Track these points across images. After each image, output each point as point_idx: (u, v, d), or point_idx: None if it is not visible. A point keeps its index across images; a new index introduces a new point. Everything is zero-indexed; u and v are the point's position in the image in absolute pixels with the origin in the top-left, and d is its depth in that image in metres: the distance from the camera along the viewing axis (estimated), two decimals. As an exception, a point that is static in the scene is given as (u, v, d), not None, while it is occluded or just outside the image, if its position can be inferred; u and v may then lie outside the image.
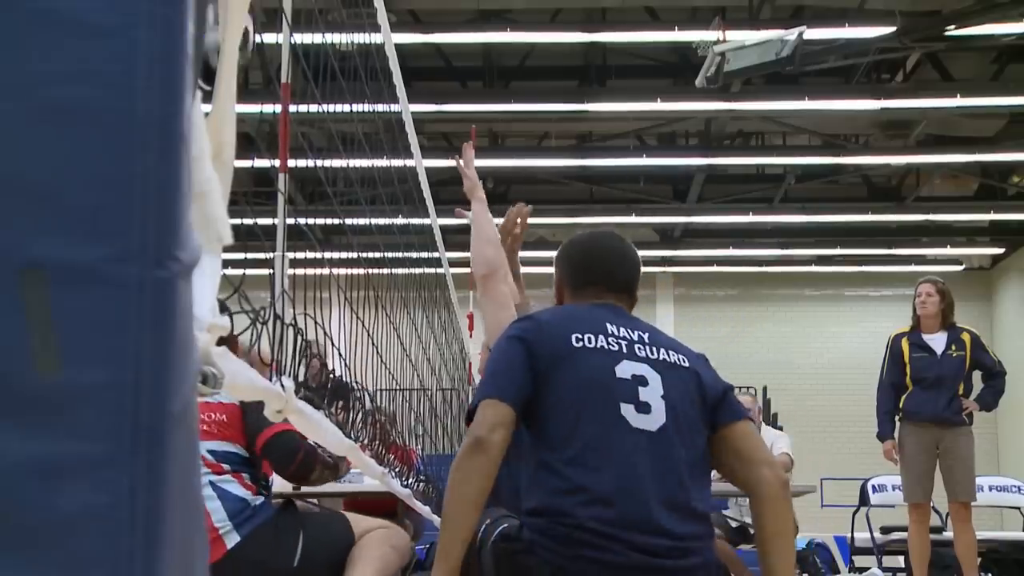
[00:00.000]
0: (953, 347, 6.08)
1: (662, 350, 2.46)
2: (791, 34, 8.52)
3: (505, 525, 2.42)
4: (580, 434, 2.29)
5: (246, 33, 1.31)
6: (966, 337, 6.14)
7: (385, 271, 3.40)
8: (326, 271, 3.17)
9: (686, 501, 2.30)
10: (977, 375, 6.25)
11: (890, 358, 6.21)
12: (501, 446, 2.26)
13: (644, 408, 2.34)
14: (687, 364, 2.47)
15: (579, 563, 2.20)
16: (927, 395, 6.01)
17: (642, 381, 2.37)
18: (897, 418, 6.17)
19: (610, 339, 2.42)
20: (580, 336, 2.40)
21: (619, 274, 2.66)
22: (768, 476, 2.39)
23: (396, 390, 3.54)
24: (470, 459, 2.24)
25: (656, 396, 2.36)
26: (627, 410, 2.32)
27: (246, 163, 1.83)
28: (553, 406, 2.33)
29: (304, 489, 3.73)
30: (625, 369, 2.37)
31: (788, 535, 2.41)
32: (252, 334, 1.84)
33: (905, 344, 6.16)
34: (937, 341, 6.13)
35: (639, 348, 2.44)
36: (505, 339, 2.44)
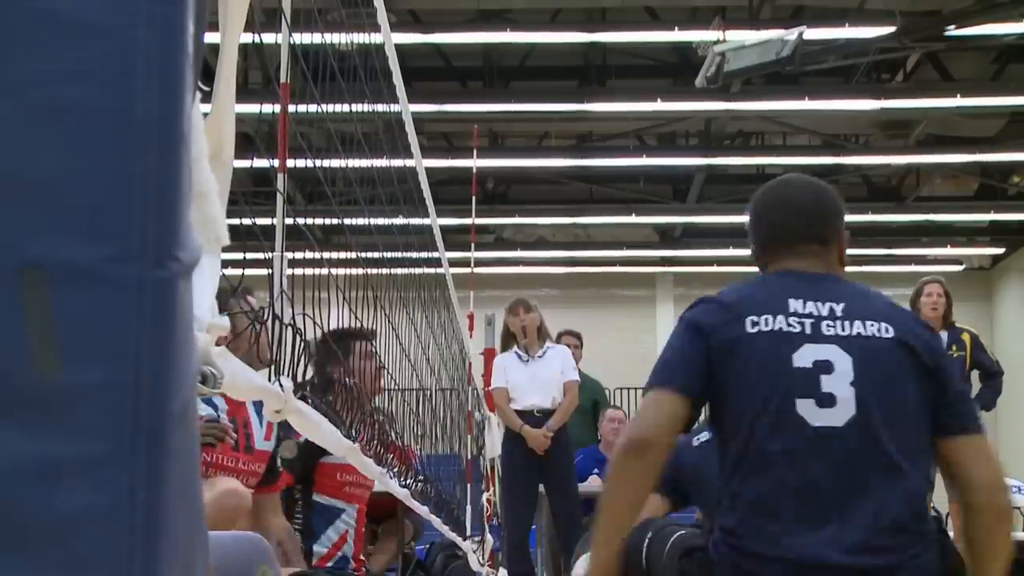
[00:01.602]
0: (954, 347, 6.08)
1: (857, 323, 2.12)
2: (791, 34, 8.51)
3: (681, 532, 2.24)
4: (752, 441, 2.04)
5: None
6: (966, 337, 6.14)
7: (384, 271, 3.40)
8: (325, 271, 3.17)
9: (876, 512, 1.99)
10: (975, 375, 6.25)
11: None
12: (664, 449, 2.05)
13: (827, 401, 2.03)
14: (891, 333, 2.12)
15: None
16: None
17: (826, 367, 2.06)
18: None
19: (791, 319, 2.11)
20: (756, 319, 2.11)
21: (804, 225, 2.31)
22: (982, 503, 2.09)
23: (395, 390, 3.54)
24: (628, 462, 2.03)
25: (843, 384, 2.05)
26: (805, 407, 2.03)
27: (245, 163, 1.84)
28: (724, 406, 2.11)
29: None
30: (805, 355, 2.07)
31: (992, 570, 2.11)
32: (251, 334, 1.84)
33: None
34: None
35: (827, 325, 2.11)
36: (682, 324, 2.20)
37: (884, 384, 2.07)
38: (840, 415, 2.03)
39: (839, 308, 2.13)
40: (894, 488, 2.03)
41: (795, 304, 2.13)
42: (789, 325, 2.10)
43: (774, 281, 2.24)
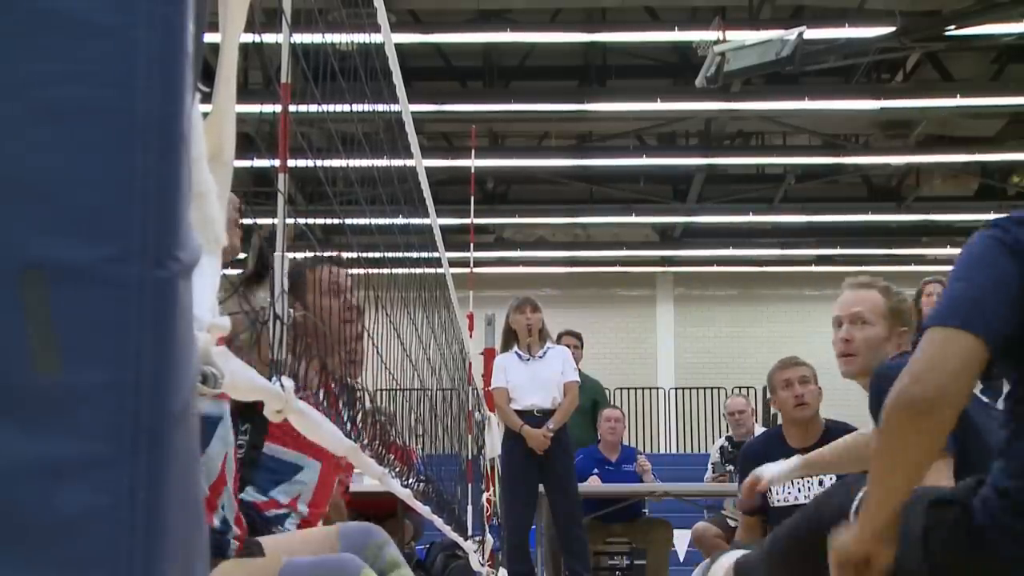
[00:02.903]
0: None
1: None
2: (791, 34, 8.52)
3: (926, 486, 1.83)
4: None
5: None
6: None
7: (385, 271, 3.40)
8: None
9: None
10: None
11: None
12: (955, 409, 1.63)
13: None
14: None
15: None
16: None
17: None
18: None
19: None
20: None
21: None
22: None
23: (396, 390, 3.54)
24: (908, 423, 1.63)
25: None
26: None
27: (246, 163, 1.84)
28: None
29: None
30: None
31: None
32: (251, 335, 1.84)
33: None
34: None
35: None
36: (987, 239, 1.81)
37: None
38: None
39: None
40: None
41: None
42: None
43: None
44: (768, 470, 3.20)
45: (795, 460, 3.30)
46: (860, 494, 1.86)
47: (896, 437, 1.65)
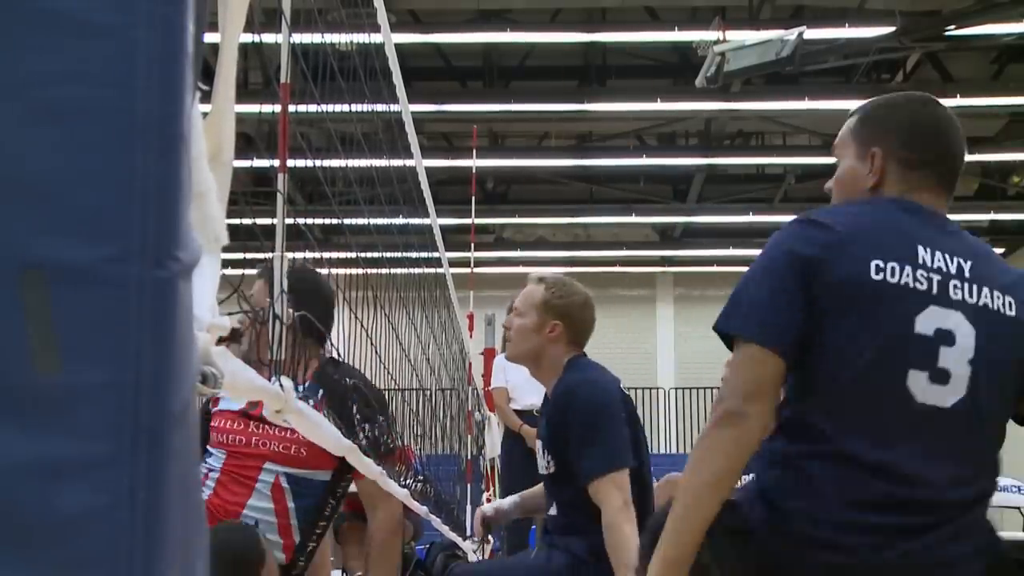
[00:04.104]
0: None
1: (985, 290, 1.80)
2: (791, 34, 8.52)
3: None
4: (851, 411, 1.75)
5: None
6: None
7: (384, 271, 3.40)
8: (325, 271, 3.17)
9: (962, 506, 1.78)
10: None
11: None
12: (764, 418, 1.73)
13: (940, 377, 1.74)
14: (1013, 311, 1.81)
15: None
16: None
17: (947, 338, 1.75)
18: None
19: (919, 272, 1.76)
20: (883, 264, 1.75)
21: (957, 161, 1.95)
22: None
23: (395, 390, 3.54)
24: (719, 432, 1.72)
25: (962, 361, 1.75)
26: (916, 380, 1.73)
27: (245, 163, 1.84)
28: (824, 364, 1.76)
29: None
30: (929, 320, 1.75)
31: None
32: (251, 334, 1.84)
33: None
34: None
35: (955, 287, 1.78)
36: (781, 252, 1.81)
37: (995, 371, 1.78)
38: (949, 395, 1.75)
39: (967, 266, 1.80)
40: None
41: (924, 253, 1.78)
42: (917, 280, 1.75)
43: (899, 214, 1.84)
44: (489, 507, 3.40)
45: (515, 497, 3.59)
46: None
47: (702, 449, 1.74)
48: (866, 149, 1.95)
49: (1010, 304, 1.82)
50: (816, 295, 1.76)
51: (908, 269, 1.76)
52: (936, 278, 1.78)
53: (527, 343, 3.17)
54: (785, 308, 1.76)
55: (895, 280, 1.75)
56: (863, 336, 1.74)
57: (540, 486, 3.45)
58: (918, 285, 1.76)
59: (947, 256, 1.81)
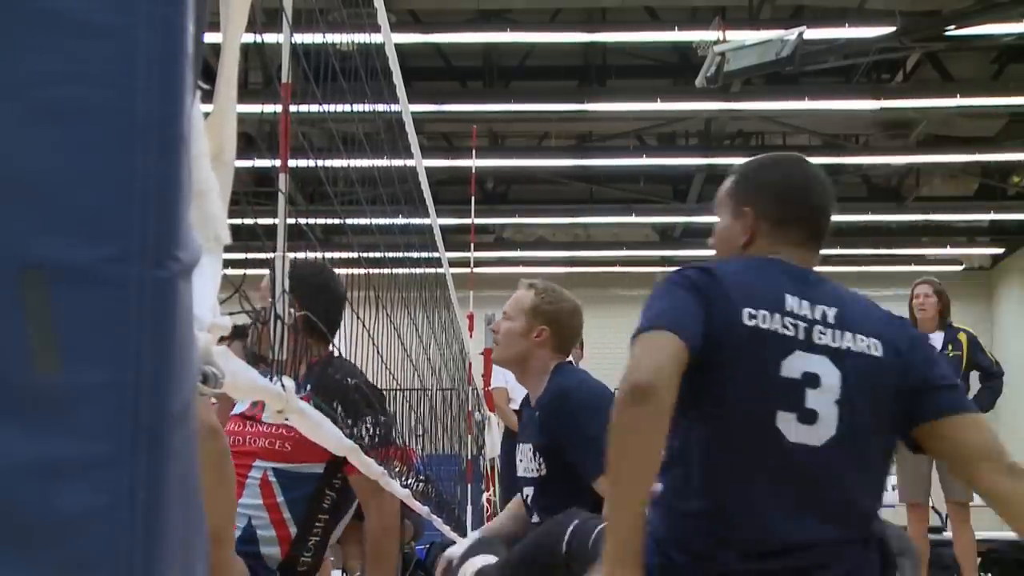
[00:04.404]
0: (950, 347, 6.05)
1: (848, 335, 1.94)
2: (791, 34, 8.51)
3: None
4: (724, 449, 1.86)
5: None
6: (963, 337, 6.11)
7: (385, 271, 3.40)
8: (326, 271, 3.17)
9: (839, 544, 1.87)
10: (975, 376, 6.22)
11: None
12: (670, 393, 1.75)
13: (808, 417, 1.86)
14: (880, 352, 1.95)
15: None
16: None
17: (812, 381, 1.88)
18: None
19: (787, 319, 1.90)
20: (755, 312, 1.88)
21: (824, 217, 2.09)
22: (992, 481, 1.90)
23: (396, 390, 3.54)
24: (630, 410, 1.73)
25: (828, 401, 1.88)
26: (785, 421, 1.85)
27: (247, 163, 1.84)
28: (700, 406, 1.87)
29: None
30: (795, 365, 1.88)
31: None
32: (252, 334, 1.84)
33: None
34: (934, 342, 6.08)
35: (820, 333, 1.91)
36: (672, 283, 1.93)
37: (865, 408, 1.91)
38: (819, 434, 1.87)
39: (831, 314, 1.94)
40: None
41: (791, 302, 1.92)
42: (784, 326, 1.89)
43: (770, 269, 1.99)
44: (453, 551, 3.30)
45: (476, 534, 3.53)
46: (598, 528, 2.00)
47: (618, 433, 1.75)
48: (740, 208, 2.08)
49: (876, 346, 1.95)
50: (703, 332, 1.86)
51: (777, 316, 1.89)
52: (802, 325, 1.91)
53: (514, 347, 3.18)
54: (692, 310, 1.87)
55: (765, 326, 1.88)
56: (736, 378, 1.86)
57: (501, 520, 3.39)
58: (785, 331, 1.89)
59: (812, 305, 1.94)
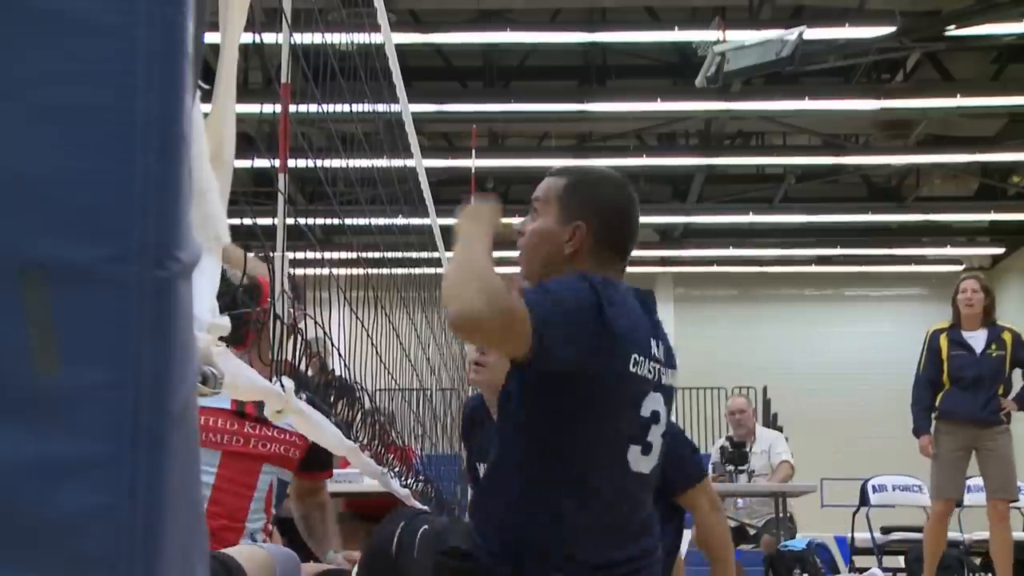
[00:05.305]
0: (993, 346, 5.90)
1: (669, 371, 2.12)
2: (791, 34, 8.51)
3: (432, 529, 2.15)
4: (586, 476, 1.99)
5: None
6: (1007, 336, 5.96)
7: (385, 271, 3.40)
8: (326, 271, 3.17)
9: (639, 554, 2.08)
10: (1017, 373, 6.09)
11: (928, 354, 5.96)
12: (507, 323, 1.81)
13: (647, 449, 2.05)
14: (671, 380, 2.15)
15: None
16: (964, 395, 5.77)
17: (656, 417, 2.06)
18: (933, 415, 5.90)
19: (651, 364, 2.04)
20: (637, 358, 2.00)
21: (636, 239, 2.25)
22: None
23: (395, 390, 3.54)
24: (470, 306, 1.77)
25: (659, 433, 2.08)
26: (633, 453, 2.03)
27: (246, 163, 1.84)
28: (574, 429, 1.97)
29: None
30: (648, 404, 2.04)
31: None
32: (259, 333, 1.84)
33: (944, 341, 5.92)
34: (977, 339, 5.93)
35: (661, 372, 2.08)
36: (584, 291, 1.94)
37: (667, 435, 2.13)
38: (649, 464, 2.06)
39: (662, 351, 2.09)
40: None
41: (653, 344, 2.06)
42: (650, 370, 2.04)
43: (634, 301, 2.08)
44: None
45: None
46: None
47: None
48: (571, 219, 2.13)
49: (671, 374, 2.13)
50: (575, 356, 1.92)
51: (645, 362, 2.02)
52: (657, 367, 2.06)
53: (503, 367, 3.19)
54: (574, 327, 1.89)
55: (640, 373, 2.01)
56: (606, 411, 1.99)
57: None
58: (648, 375, 2.03)
59: (658, 343, 2.08)
